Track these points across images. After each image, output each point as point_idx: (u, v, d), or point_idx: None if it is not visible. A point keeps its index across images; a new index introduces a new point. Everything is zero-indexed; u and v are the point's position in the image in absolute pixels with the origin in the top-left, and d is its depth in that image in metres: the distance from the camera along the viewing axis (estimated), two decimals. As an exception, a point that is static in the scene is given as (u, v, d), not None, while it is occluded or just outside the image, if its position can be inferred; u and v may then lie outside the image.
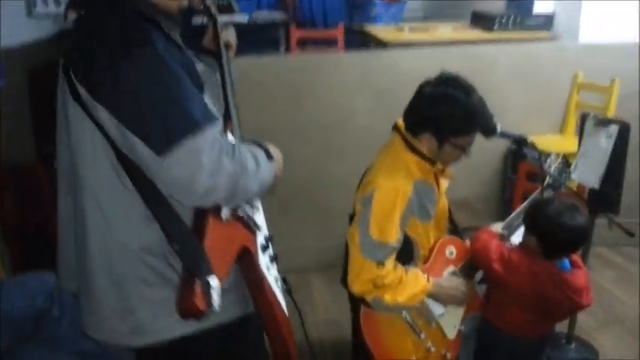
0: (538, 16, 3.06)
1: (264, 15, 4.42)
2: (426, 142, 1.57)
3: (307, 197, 2.91)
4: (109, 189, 1.06)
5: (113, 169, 1.05)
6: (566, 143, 2.76)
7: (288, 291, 1.29)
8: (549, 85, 2.91)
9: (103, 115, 1.00)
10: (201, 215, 1.05)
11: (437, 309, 1.62)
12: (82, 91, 1.01)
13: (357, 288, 1.55)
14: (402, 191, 1.53)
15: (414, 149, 1.59)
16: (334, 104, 2.80)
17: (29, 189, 2.72)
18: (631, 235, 1.97)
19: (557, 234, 1.50)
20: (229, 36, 1.40)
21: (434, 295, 1.60)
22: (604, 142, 1.97)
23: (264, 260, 1.20)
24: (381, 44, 3.16)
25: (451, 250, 1.68)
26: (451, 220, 1.80)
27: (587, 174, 2.03)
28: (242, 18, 4.26)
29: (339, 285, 2.84)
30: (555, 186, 1.76)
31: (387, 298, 1.52)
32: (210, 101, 1.13)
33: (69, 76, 1.03)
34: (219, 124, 1.05)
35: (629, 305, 2.52)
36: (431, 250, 1.67)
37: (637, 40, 2.84)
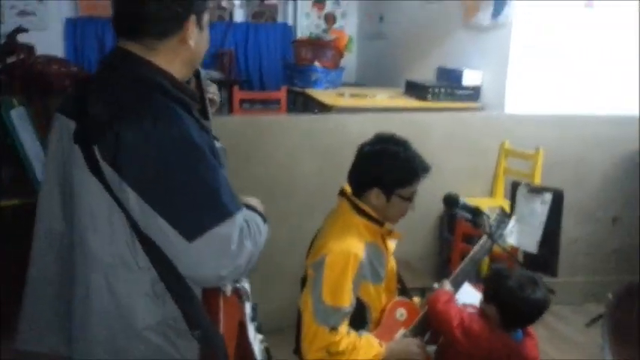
0: (467, 87, 3.29)
1: (201, 73, 4.45)
2: (374, 199, 1.61)
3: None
4: (122, 266, 1.04)
5: (128, 247, 1.03)
6: (496, 205, 2.92)
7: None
8: (479, 152, 3.10)
9: (130, 196, 0.98)
10: (211, 294, 1.06)
11: None
12: (106, 168, 0.99)
13: (310, 356, 1.52)
14: (354, 255, 1.55)
15: (361, 212, 1.63)
16: (280, 166, 2.82)
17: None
18: (552, 292, 2.10)
19: (519, 307, 1.55)
20: (213, 92, 1.41)
21: (389, 357, 1.58)
22: (539, 208, 2.12)
23: (253, 332, 1.22)
24: (324, 107, 3.26)
25: (401, 312, 1.69)
26: (400, 280, 1.83)
27: (525, 239, 2.16)
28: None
29: (283, 349, 2.76)
30: (494, 237, 1.81)
31: None
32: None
33: (85, 147, 1.01)
34: (244, 209, 1.06)
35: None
36: (382, 313, 1.68)
37: (559, 112, 3.12)
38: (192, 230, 0.97)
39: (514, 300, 1.54)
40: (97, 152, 0.99)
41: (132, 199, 0.98)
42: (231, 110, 4.04)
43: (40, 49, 3.95)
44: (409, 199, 1.64)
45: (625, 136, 3.18)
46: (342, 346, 1.50)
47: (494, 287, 1.60)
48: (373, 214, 1.63)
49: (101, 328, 1.07)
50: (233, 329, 1.11)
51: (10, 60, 3.72)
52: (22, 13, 4.19)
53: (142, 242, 1.02)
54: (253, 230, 1.06)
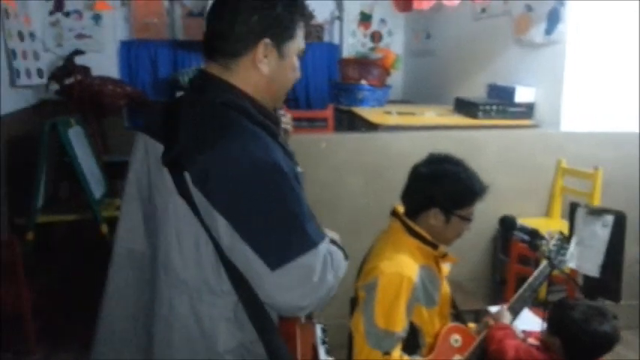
0: (520, 104, 3.20)
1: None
2: (433, 219, 1.59)
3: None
4: (206, 290, 1.04)
5: (213, 271, 1.03)
6: (553, 226, 2.80)
7: None
8: (534, 170, 2.99)
9: (219, 222, 0.99)
10: (288, 320, 1.09)
11: None
12: (196, 193, 1.00)
13: None
14: (407, 278, 1.51)
15: (415, 234, 1.60)
16: (326, 185, 2.80)
17: (2, 264, 2.59)
18: (614, 317, 1.98)
19: (584, 340, 1.48)
20: (286, 122, 1.40)
21: None
22: (600, 231, 2.01)
23: (323, 354, 1.24)
24: (370, 126, 3.24)
25: (456, 338, 1.63)
26: (454, 305, 1.77)
27: (586, 262, 2.05)
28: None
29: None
30: (554, 264, 1.75)
31: None
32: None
33: (176, 171, 1.02)
34: (328, 240, 1.07)
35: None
36: (435, 338, 1.62)
37: (618, 129, 2.99)
38: (276, 259, 0.98)
39: (579, 333, 1.48)
40: (187, 178, 1.00)
41: (220, 224, 0.99)
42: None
43: (96, 71, 4.13)
44: (468, 219, 1.62)
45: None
46: None
47: (557, 319, 1.54)
48: (427, 236, 1.60)
49: (184, 349, 1.07)
50: (308, 354, 1.14)
51: (68, 81, 3.90)
52: (80, 35, 4.38)
53: (226, 267, 1.02)
54: (336, 263, 1.06)
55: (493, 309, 1.76)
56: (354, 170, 2.83)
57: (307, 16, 1.18)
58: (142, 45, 4.63)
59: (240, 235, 0.98)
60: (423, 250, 1.60)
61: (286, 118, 1.40)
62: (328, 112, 3.93)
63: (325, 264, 1.02)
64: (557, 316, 1.55)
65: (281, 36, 1.12)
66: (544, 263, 1.74)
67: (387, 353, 1.47)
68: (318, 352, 1.21)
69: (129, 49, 4.59)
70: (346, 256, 1.15)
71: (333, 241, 1.14)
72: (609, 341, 1.50)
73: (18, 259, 2.50)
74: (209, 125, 1.04)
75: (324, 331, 1.30)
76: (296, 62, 1.18)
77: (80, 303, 2.97)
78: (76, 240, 3.68)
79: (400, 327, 1.49)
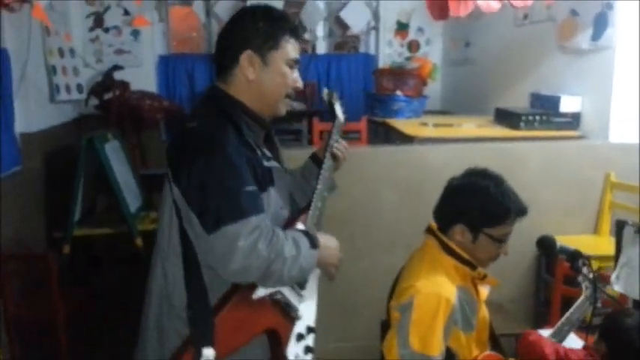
0: (565, 114, 3.04)
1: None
2: (459, 236, 1.51)
3: (327, 296, 2.74)
4: (173, 252, 1.27)
5: (179, 239, 1.26)
6: (601, 244, 2.64)
7: None
8: (580, 184, 2.82)
9: (175, 192, 1.24)
10: (233, 290, 1.22)
11: None
12: (169, 173, 1.27)
13: None
14: (445, 298, 1.43)
15: (451, 252, 1.51)
16: (359, 199, 2.73)
17: (37, 279, 2.63)
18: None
19: (632, 347, 1.43)
20: (338, 148, 1.55)
21: None
22: (649, 251, 1.86)
23: (295, 349, 1.30)
24: (405, 138, 3.14)
25: None
26: (492, 332, 1.66)
27: (632, 285, 1.91)
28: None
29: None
30: (591, 300, 1.64)
31: None
32: (277, 195, 1.34)
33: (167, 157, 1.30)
34: (264, 215, 1.21)
35: None
36: None
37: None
38: (210, 224, 1.17)
39: (628, 340, 1.43)
40: (169, 173, 1.28)
41: (176, 193, 1.24)
42: (311, 142, 4.03)
43: (135, 85, 4.20)
44: (500, 240, 1.51)
45: None
46: None
47: (609, 324, 1.52)
48: (464, 254, 1.51)
49: (155, 306, 1.30)
50: (249, 327, 1.23)
51: (107, 96, 3.98)
52: (119, 51, 4.47)
53: (181, 236, 1.25)
54: (276, 240, 1.19)
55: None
56: (388, 184, 2.75)
57: (294, 30, 1.36)
58: (179, 59, 4.70)
59: (187, 203, 1.20)
60: (460, 270, 1.51)
61: (339, 145, 1.56)
62: (362, 125, 3.86)
63: (258, 235, 1.16)
64: (609, 321, 1.53)
65: (264, 47, 1.32)
66: (582, 299, 1.64)
67: None
68: (283, 342, 1.27)
69: (167, 64, 4.66)
70: (313, 245, 1.28)
71: (303, 231, 1.30)
72: None
73: (53, 273, 2.52)
74: (191, 123, 1.30)
75: (309, 330, 1.35)
76: (286, 70, 1.35)
77: (114, 316, 3.00)
78: (111, 253, 3.72)
79: (437, 351, 1.41)
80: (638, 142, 2.81)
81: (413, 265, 1.57)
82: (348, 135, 4.05)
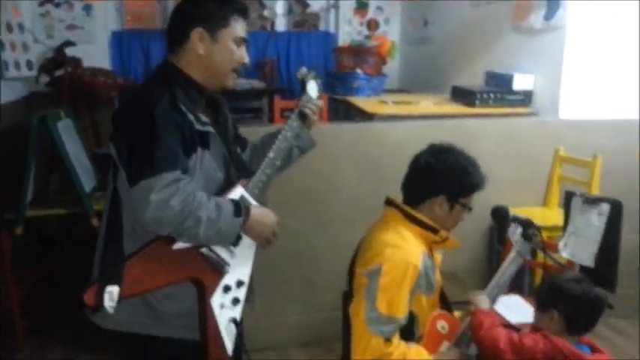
0: (518, 92, 3.14)
1: (242, 83, 4.48)
2: (438, 208, 1.61)
3: (291, 270, 2.80)
4: (128, 205, 1.37)
5: (111, 191, 1.42)
6: (550, 215, 2.77)
7: (239, 335, 1.47)
8: (532, 159, 2.95)
9: (113, 151, 1.37)
10: (154, 240, 1.35)
11: None
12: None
13: None
14: (413, 265, 1.52)
15: (414, 220, 1.60)
16: (321, 176, 2.76)
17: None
18: (610, 307, 1.95)
19: (584, 307, 1.52)
20: (309, 107, 1.61)
21: None
22: (595, 220, 1.97)
23: (221, 299, 1.41)
24: (366, 116, 3.18)
25: (443, 325, 1.63)
26: (442, 293, 1.76)
27: (579, 252, 2.03)
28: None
29: None
30: (522, 253, 1.74)
31: None
32: (212, 158, 1.43)
33: None
34: (177, 173, 1.30)
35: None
36: (423, 326, 1.62)
37: (617, 117, 2.94)
38: (131, 178, 1.29)
39: (577, 301, 1.52)
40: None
41: (113, 152, 1.37)
42: (272, 119, 4.02)
43: (87, 62, 4.06)
44: (470, 207, 1.66)
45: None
46: (394, 356, 1.47)
47: (552, 292, 1.57)
48: (428, 221, 1.62)
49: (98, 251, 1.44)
50: (169, 274, 1.36)
51: (59, 73, 3.83)
52: (70, 26, 4.29)
53: (113, 189, 1.41)
54: (192, 199, 1.29)
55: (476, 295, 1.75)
56: (350, 160, 2.79)
57: (243, 10, 1.48)
58: (134, 35, 4.55)
59: (118, 159, 1.33)
60: (424, 235, 1.61)
61: (311, 104, 1.62)
62: (323, 102, 3.87)
63: (174, 191, 1.27)
64: (550, 290, 1.58)
65: (214, 25, 1.43)
66: (512, 255, 1.74)
67: (388, 339, 1.47)
68: (206, 292, 1.38)
69: (120, 40, 4.51)
70: (237, 213, 1.37)
71: (233, 200, 1.41)
72: (603, 303, 1.55)
73: (6, 255, 2.45)
74: (127, 95, 1.44)
75: (240, 283, 1.46)
76: (233, 47, 1.47)
77: (69, 296, 2.94)
78: (66, 234, 3.63)
79: (402, 313, 1.50)
80: (586, 118, 2.95)
81: (376, 235, 1.63)
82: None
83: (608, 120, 2.95)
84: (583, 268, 2.03)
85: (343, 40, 4.91)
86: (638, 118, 2.96)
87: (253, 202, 1.47)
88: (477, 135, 2.82)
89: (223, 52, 1.45)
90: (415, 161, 1.68)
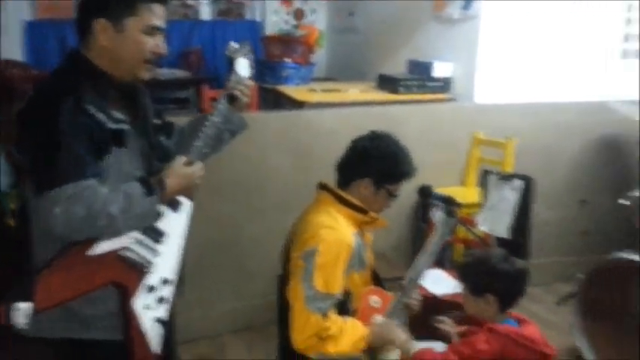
0: (438, 79, 3.32)
1: (166, 73, 4.39)
2: (363, 189, 1.69)
3: (222, 258, 2.82)
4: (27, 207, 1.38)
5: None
6: (469, 194, 2.94)
7: (170, 330, 1.45)
8: (452, 142, 3.13)
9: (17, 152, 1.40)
10: (68, 247, 1.29)
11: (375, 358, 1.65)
12: None
13: (301, 345, 1.56)
14: (347, 244, 1.61)
15: (345, 202, 1.69)
16: (252, 163, 2.79)
17: None
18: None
19: (516, 284, 1.55)
20: (237, 89, 1.51)
21: (372, 342, 1.62)
22: (509, 195, 2.16)
23: (144, 300, 1.36)
24: (295, 104, 3.24)
25: (375, 300, 1.72)
26: (373, 271, 1.86)
27: (496, 225, 2.21)
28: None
29: (258, 346, 2.76)
30: (444, 234, 1.82)
31: (331, 349, 1.55)
32: (129, 156, 1.37)
33: None
34: (83, 183, 1.24)
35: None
36: (357, 302, 1.71)
37: (528, 101, 3.18)
38: (37, 189, 1.26)
39: (510, 277, 1.54)
40: None
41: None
42: (200, 109, 3.98)
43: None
44: (394, 195, 1.74)
45: (592, 123, 3.26)
46: (332, 330, 1.55)
47: (486, 277, 1.56)
48: (357, 202, 1.69)
49: None
50: (86, 281, 1.32)
51: (-31, 65, 3.59)
52: (-20, 16, 4.03)
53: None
54: (94, 199, 1.24)
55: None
56: (280, 148, 2.84)
57: None
58: (48, 25, 4.33)
59: (24, 164, 1.32)
60: (354, 216, 1.69)
61: (241, 85, 1.52)
62: (252, 91, 3.88)
63: (75, 200, 1.23)
64: (486, 274, 1.56)
65: (118, 13, 1.34)
66: (436, 231, 1.81)
67: (325, 315, 1.55)
68: (129, 294, 1.34)
69: (34, 30, 4.29)
70: (149, 191, 1.33)
71: (140, 179, 1.35)
72: (528, 274, 1.59)
73: None
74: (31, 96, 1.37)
75: (165, 281, 1.41)
76: (142, 38, 1.37)
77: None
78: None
79: (338, 289, 1.59)
80: (500, 102, 3.17)
81: (310, 218, 1.70)
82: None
83: (520, 104, 3.18)
84: (499, 240, 2.21)
85: (270, 29, 4.93)
86: (548, 100, 3.21)
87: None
88: (402, 121, 2.95)
89: (129, 43, 1.36)
90: (352, 144, 1.76)
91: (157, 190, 1.35)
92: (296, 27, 4.76)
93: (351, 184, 1.71)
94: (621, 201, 2.68)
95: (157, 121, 1.55)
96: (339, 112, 3.00)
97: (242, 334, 2.84)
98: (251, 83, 1.57)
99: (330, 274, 1.57)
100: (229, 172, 2.76)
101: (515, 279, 1.54)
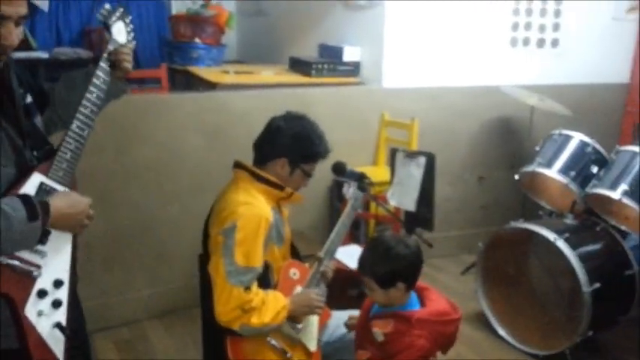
0: (347, 63, 3.42)
1: (67, 52, 4.16)
2: (279, 168, 1.74)
3: (139, 244, 2.77)
4: None
5: None
6: (379, 173, 3.12)
7: (66, 337, 1.32)
8: (362, 124, 3.28)
9: None
10: None
11: (295, 327, 1.73)
12: None
13: (225, 318, 1.59)
14: (265, 218, 1.65)
15: (261, 179, 1.73)
16: (164, 146, 2.75)
17: None
18: (430, 245, 2.32)
19: (418, 264, 1.56)
20: (114, 56, 1.41)
21: (293, 311, 1.69)
22: (415, 171, 2.32)
23: (37, 307, 1.26)
24: (208, 85, 3.20)
25: (294, 272, 1.80)
26: (292, 245, 1.93)
27: (404, 199, 2.36)
28: (42, 54, 4.00)
29: (179, 328, 2.76)
30: (355, 207, 1.92)
31: (254, 320, 1.59)
32: None
33: None
34: None
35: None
36: (278, 274, 1.78)
37: (431, 85, 3.38)
38: None
39: (412, 260, 1.55)
40: None
41: None
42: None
43: None
44: (310, 174, 1.80)
45: (487, 105, 3.55)
46: (255, 302, 1.59)
47: (395, 267, 1.53)
48: (274, 179, 1.74)
49: None
50: None
51: None
52: None
53: None
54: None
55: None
56: (194, 130, 2.81)
57: None
58: None
59: None
60: (271, 192, 1.74)
61: (119, 52, 1.42)
62: (162, 72, 3.78)
63: None
64: (394, 264, 1.53)
65: None
66: (348, 206, 1.89)
67: (248, 288, 1.59)
68: (17, 303, 1.24)
69: None
70: (33, 217, 1.19)
71: (24, 199, 1.21)
72: (419, 257, 1.59)
73: None
74: None
75: (58, 283, 1.31)
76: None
77: None
78: None
79: (259, 263, 1.63)
80: (406, 86, 3.34)
81: (228, 196, 1.72)
82: (146, 83, 3.94)
83: (423, 87, 3.38)
84: (407, 213, 2.37)
85: (177, 9, 4.78)
86: (450, 85, 3.44)
87: (58, 187, 1.30)
88: (314, 102, 3.03)
89: None
90: (269, 123, 1.79)
91: (41, 215, 1.21)
92: (204, 6, 4.66)
93: (267, 163, 1.75)
94: (516, 176, 2.97)
95: (28, 101, 1.39)
96: (253, 94, 3.01)
97: (163, 319, 2.82)
98: (130, 47, 1.46)
99: (251, 248, 1.61)
100: (141, 157, 2.70)
101: (416, 259, 1.56)
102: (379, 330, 1.55)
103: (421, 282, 1.64)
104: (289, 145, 1.73)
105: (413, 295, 1.61)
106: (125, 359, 2.49)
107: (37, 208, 1.20)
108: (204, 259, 1.74)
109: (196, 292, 1.94)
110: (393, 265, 1.52)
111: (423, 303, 1.62)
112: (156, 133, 2.73)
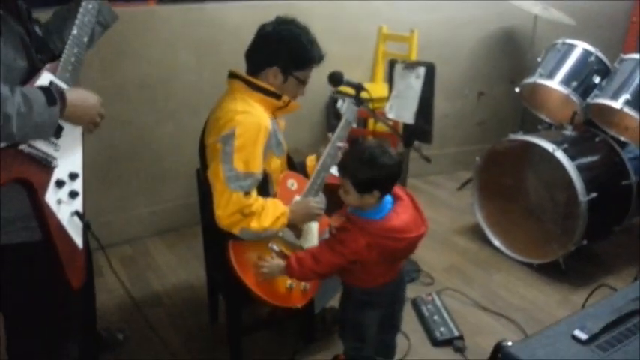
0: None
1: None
2: (272, 77, 1.69)
3: (137, 162, 2.76)
4: None
5: None
6: (377, 88, 3.04)
7: (86, 226, 1.39)
8: (359, 38, 3.17)
9: None
10: None
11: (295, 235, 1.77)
12: None
13: (225, 221, 1.60)
14: (264, 126, 1.63)
15: (257, 88, 1.69)
16: (155, 61, 2.67)
17: None
18: (428, 160, 2.32)
19: (397, 173, 1.54)
20: None
21: (292, 219, 1.70)
22: (414, 82, 2.25)
23: (55, 195, 1.31)
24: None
25: (292, 182, 1.81)
26: (289, 157, 1.93)
27: (402, 112, 2.30)
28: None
29: (179, 246, 2.81)
30: (350, 120, 1.90)
31: (254, 225, 1.61)
32: (7, 45, 1.23)
33: None
34: None
35: (438, 222, 2.98)
36: (276, 186, 1.79)
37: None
38: None
39: (391, 169, 1.52)
40: None
41: None
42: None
43: None
44: (304, 82, 1.74)
45: (490, 16, 3.41)
46: (254, 207, 1.60)
47: (374, 173, 1.51)
48: (269, 87, 1.70)
49: None
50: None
51: None
52: None
53: None
54: (4, 101, 1.16)
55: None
56: (185, 45, 2.72)
57: None
58: None
59: None
60: (267, 101, 1.70)
61: None
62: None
63: None
64: (372, 171, 1.51)
65: None
66: (343, 120, 1.87)
67: (247, 193, 1.60)
68: (38, 190, 1.28)
69: None
70: (51, 101, 1.24)
71: (42, 87, 1.25)
72: (399, 168, 1.57)
73: None
74: None
75: (73, 176, 1.36)
76: None
77: None
78: None
79: (258, 169, 1.62)
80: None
81: (224, 105, 1.69)
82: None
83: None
84: (405, 127, 2.32)
85: None
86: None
87: (65, 86, 1.33)
88: (309, 15, 2.86)
89: None
90: (258, 30, 1.72)
91: (59, 102, 1.25)
92: None
93: (259, 72, 1.70)
94: (516, 89, 2.91)
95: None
96: (245, 6, 2.88)
97: (163, 236, 2.87)
98: None
99: (250, 154, 1.60)
100: (133, 74, 2.63)
101: (397, 170, 1.54)
102: (333, 224, 1.63)
103: (403, 191, 1.61)
104: (279, 51, 1.67)
105: (388, 202, 1.57)
106: (129, 273, 2.54)
107: (54, 94, 1.25)
108: (203, 171, 1.73)
109: (196, 209, 1.96)
110: (374, 173, 1.49)
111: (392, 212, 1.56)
112: (146, 49, 2.64)
